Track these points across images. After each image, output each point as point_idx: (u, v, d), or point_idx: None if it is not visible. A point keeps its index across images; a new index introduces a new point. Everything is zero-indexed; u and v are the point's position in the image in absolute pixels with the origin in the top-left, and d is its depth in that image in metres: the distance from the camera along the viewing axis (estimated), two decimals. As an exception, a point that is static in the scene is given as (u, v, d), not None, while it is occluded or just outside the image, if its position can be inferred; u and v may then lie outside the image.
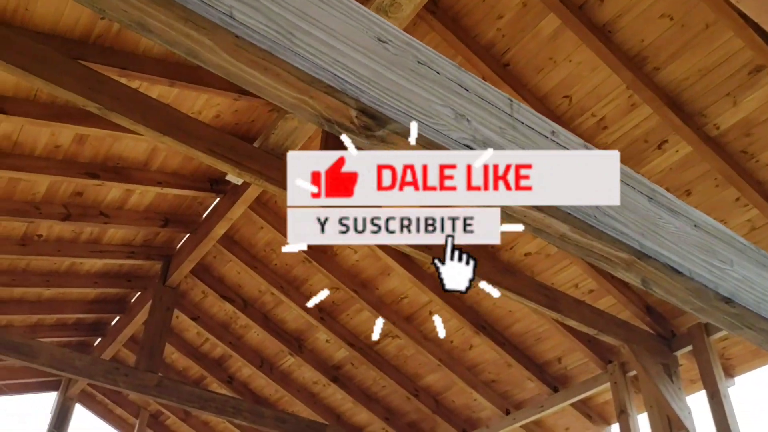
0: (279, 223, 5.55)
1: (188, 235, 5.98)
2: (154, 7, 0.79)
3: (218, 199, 5.50)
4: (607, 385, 5.12)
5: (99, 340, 7.56)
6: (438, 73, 0.94)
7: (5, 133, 4.44)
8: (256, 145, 3.55)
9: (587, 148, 1.05)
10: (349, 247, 5.59)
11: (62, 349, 5.86)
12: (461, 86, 0.95)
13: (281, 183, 3.45)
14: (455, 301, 5.39)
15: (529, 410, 5.78)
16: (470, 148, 0.90)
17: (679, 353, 4.79)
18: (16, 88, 4.08)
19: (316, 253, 5.66)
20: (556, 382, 5.61)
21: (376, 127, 0.83)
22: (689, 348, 4.68)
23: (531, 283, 4.40)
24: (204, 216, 5.77)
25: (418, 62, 0.92)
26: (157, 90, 4.22)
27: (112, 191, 5.26)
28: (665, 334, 4.84)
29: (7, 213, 5.05)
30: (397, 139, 0.86)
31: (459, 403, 6.35)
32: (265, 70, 0.83)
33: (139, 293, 6.86)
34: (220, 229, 5.36)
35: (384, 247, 5.21)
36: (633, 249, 0.99)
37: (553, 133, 1.02)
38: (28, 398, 8.19)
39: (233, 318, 6.73)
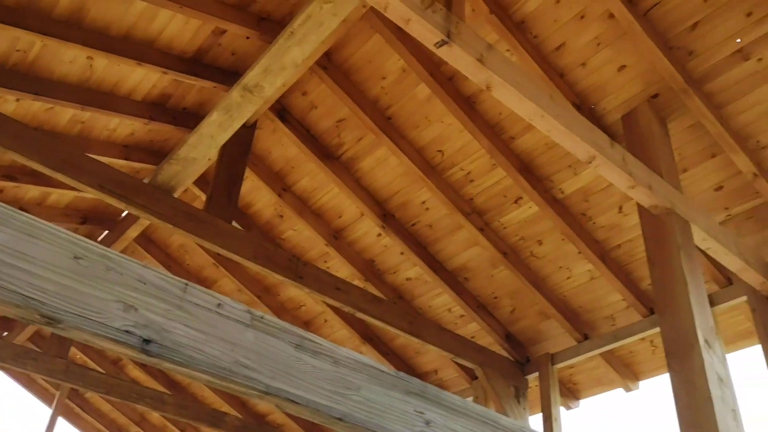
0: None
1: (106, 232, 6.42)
2: None
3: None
4: (470, 399, 5.75)
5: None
6: (121, 274, 1.43)
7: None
8: (145, 181, 3.99)
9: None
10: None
11: None
12: (140, 281, 1.45)
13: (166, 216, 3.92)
14: (343, 314, 5.95)
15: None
16: (130, 333, 1.40)
17: (530, 377, 5.43)
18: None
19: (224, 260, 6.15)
20: (432, 391, 6.23)
21: (56, 324, 1.32)
22: (537, 374, 5.32)
23: (398, 310, 4.94)
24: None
25: (107, 269, 1.42)
26: (70, 113, 4.64)
27: (30, 191, 5.67)
28: (521, 359, 5.47)
29: None
30: (72, 332, 1.35)
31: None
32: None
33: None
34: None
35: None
36: (260, 390, 1.51)
37: (219, 305, 1.53)
38: None
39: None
